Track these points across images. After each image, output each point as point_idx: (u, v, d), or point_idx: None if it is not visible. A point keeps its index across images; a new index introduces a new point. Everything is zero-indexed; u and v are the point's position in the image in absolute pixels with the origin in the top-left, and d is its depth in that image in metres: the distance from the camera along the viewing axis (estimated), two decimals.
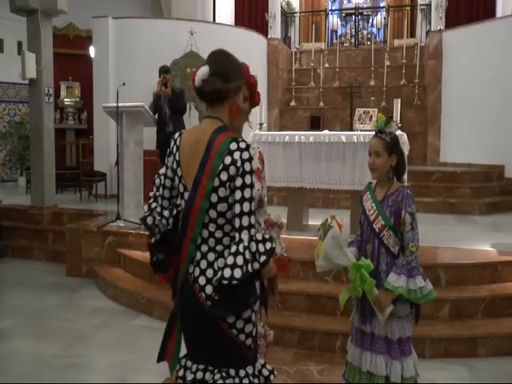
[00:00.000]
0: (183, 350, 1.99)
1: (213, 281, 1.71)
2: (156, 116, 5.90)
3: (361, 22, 12.37)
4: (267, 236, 1.74)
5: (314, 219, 5.87)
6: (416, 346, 3.67)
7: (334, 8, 13.30)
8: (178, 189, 1.87)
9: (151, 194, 2.00)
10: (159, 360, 2.03)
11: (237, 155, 1.71)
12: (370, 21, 12.73)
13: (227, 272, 1.65)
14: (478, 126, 8.05)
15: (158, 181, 1.97)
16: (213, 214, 1.76)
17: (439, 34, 8.91)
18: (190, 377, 1.85)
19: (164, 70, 5.92)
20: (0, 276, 5.82)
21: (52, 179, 6.94)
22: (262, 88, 9.49)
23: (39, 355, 3.69)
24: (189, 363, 1.90)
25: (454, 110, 8.51)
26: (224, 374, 1.80)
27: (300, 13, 12.64)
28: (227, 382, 1.79)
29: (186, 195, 1.81)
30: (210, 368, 1.83)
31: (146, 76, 7.05)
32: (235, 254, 1.66)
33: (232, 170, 1.71)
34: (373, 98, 8.90)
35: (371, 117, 6.77)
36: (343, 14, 13.04)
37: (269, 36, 9.92)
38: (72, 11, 7.23)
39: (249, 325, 1.81)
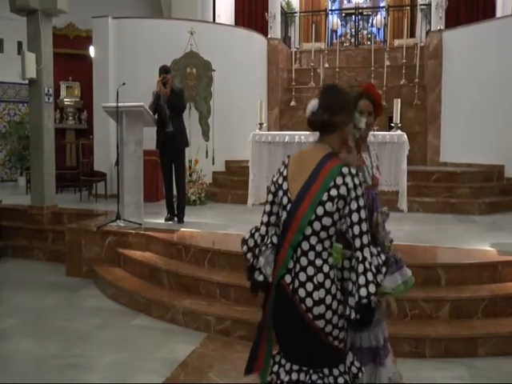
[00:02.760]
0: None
1: (349, 303, 1.84)
2: (156, 116, 5.90)
3: (361, 22, 12.37)
4: (379, 249, 1.92)
5: None
6: (416, 346, 3.71)
7: (333, 8, 13.30)
8: (281, 202, 1.98)
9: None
10: (248, 372, 2.10)
11: (348, 179, 1.85)
12: (370, 21, 12.73)
13: (363, 291, 1.79)
14: (478, 126, 8.05)
15: (264, 208, 2.07)
16: (317, 226, 1.86)
17: (439, 34, 8.91)
18: (285, 377, 1.96)
19: (164, 70, 5.92)
20: (0, 276, 5.83)
21: (52, 179, 6.94)
22: (261, 88, 9.51)
23: (39, 355, 3.69)
24: (283, 361, 2.01)
25: (454, 109, 8.52)
26: (320, 375, 1.92)
27: (300, 13, 12.65)
28: (325, 381, 1.91)
29: (289, 207, 1.92)
30: (305, 368, 1.94)
31: (146, 76, 7.05)
32: (364, 273, 1.81)
33: (343, 189, 1.84)
34: None
35: None
36: (343, 14, 13.05)
37: (269, 36, 9.92)
38: (72, 11, 7.23)
39: (342, 332, 1.93)
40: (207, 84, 8.02)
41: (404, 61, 9.47)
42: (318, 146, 1.99)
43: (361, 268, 1.82)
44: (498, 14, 10.22)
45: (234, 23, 11.28)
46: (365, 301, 1.78)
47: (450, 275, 4.28)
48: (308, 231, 1.86)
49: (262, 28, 10.50)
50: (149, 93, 6.02)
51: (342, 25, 12.79)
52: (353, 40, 12.15)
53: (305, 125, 7.63)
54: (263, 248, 1.99)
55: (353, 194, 1.84)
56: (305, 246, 1.88)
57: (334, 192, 1.84)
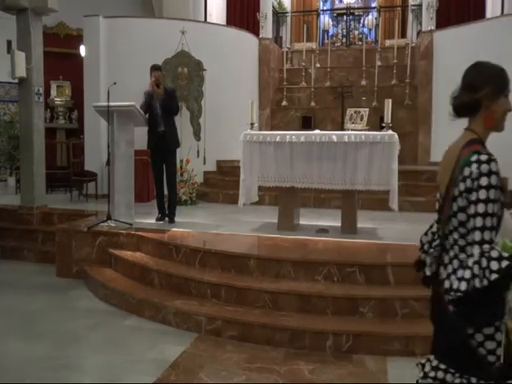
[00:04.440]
0: None
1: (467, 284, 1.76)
2: (147, 116, 5.88)
3: (352, 22, 12.41)
4: (506, 254, 1.69)
5: (306, 219, 5.90)
6: (406, 345, 3.72)
7: (325, 8, 13.33)
8: (437, 199, 2.02)
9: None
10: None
11: (474, 167, 1.73)
12: (362, 21, 12.77)
13: (455, 284, 1.76)
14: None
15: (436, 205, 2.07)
16: (455, 222, 1.85)
17: (430, 35, 8.96)
18: (431, 373, 1.91)
19: (155, 68, 5.91)
20: None
21: (42, 179, 6.89)
22: (253, 87, 9.51)
23: (30, 356, 3.66)
24: (431, 357, 1.95)
25: (445, 109, 8.45)
26: (465, 381, 1.81)
27: (291, 13, 12.67)
28: None
29: (440, 202, 1.97)
30: (452, 371, 1.85)
31: (138, 75, 7.02)
32: (465, 268, 1.75)
33: (468, 182, 1.76)
34: (364, 98, 8.94)
35: (362, 116, 6.79)
36: (335, 14, 13.08)
37: (260, 36, 9.92)
38: (62, 10, 7.18)
39: (491, 342, 1.80)
40: (198, 84, 8.00)
41: (395, 61, 9.51)
42: (462, 135, 1.92)
43: (465, 263, 1.77)
44: (488, 14, 10.29)
45: (225, 23, 11.27)
46: (452, 293, 1.76)
47: None
48: (451, 227, 1.86)
49: (253, 28, 10.49)
50: (140, 92, 6.00)
51: (333, 25, 12.82)
52: (344, 40, 12.18)
53: (296, 124, 7.65)
54: (434, 243, 2.00)
55: (475, 184, 1.73)
56: (450, 240, 1.88)
57: (462, 187, 1.78)
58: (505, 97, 1.89)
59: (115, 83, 5.61)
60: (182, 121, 7.41)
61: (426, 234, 2.09)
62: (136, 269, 5.00)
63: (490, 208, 1.73)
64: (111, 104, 5.50)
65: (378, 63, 9.47)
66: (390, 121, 5.32)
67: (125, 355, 3.68)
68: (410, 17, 11.28)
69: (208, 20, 10.86)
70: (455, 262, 1.85)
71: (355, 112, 6.83)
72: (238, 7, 11.84)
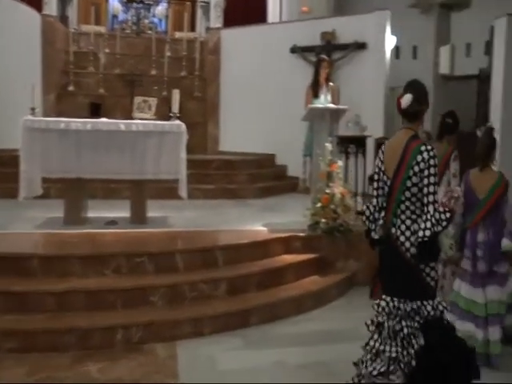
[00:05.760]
0: None
1: (412, 240, 2.58)
2: None
3: (142, 11, 12.22)
4: (447, 209, 2.65)
5: (94, 211, 5.62)
6: (195, 326, 3.87)
7: None
8: (382, 180, 2.73)
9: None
10: (371, 297, 2.94)
11: (425, 155, 2.56)
12: (152, 10, 12.68)
13: (421, 233, 2.53)
14: (253, 119, 8.75)
15: (373, 185, 2.84)
16: (407, 194, 2.61)
17: (218, 32, 9.40)
18: (386, 306, 2.68)
19: None
20: None
21: None
22: (35, 69, 8.62)
23: None
24: (384, 296, 2.71)
25: (232, 103, 9.10)
26: (414, 306, 2.61)
27: None
28: (418, 311, 2.60)
29: (388, 182, 2.67)
30: (402, 300, 2.64)
31: None
32: (425, 221, 2.53)
33: (422, 164, 2.55)
34: (156, 88, 8.93)
35: (150, 106, 6.78)
36: (124, 0, 12.69)
37: (43, 12, 9.02)
38: None
39: (433, 271, 2.65)
40: None
41: (185, 53, 9.69)
42: (403, 131, 2.70)
43: (424, 217, 2.55)
44: (270, 19, 11.23)
45: None
46: (420, 239, 2.52)
47: (227, 256, 4.59)
48: (403, 198, 2.62)
49: (35, 2, 9.46)
50: None
51: (123, 11, 12.43)
52: (134, 28, 11.92)
53: (84, 111, 7.21)
54: (376, 215, 2.76)
55: (427, 164, 2.54)
56: (402, 207, 2.63)
57: (416, 168, 2.56)
58: None
59: None
60: None
61: (367, 208, 2.82)
62: None
63: (435, 180, 2.56)
64: None
65: (168, 54, 9.51)
66: (177, 111, 5.42)
67: None
68: (199, 12, 11.64)
69: None
70: (408, 222, 2.63)
71: (143, 101, 6.79)
72: None
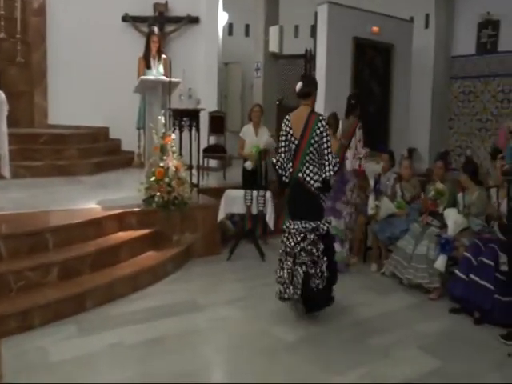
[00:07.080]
0: None
1: (315, 178, 3.88)
2: None
3: None
4: (337, 159, 3.94)
5: None
6: (24, 320, 3.58)
7: None
8: (290, 140, 3.92)
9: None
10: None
11: (323, 122, 3.86)
12: None
13: (327, 174, 3.85)
14: (84, 90, 8.20)
15: (281, 144, 3.98)
16: (311, 148, 3.84)
17: None
18: (291, 227, 3.92)
19: None
20: None
21: None
22: None
23: None
24: (290, 221, 3.94)
25: (62, 71, 8.40)
26: (312, 224, 3.87)
27: None
28: (315, 226, 3.88)
29: (296, 142, 3.88)
30: (303, 221, 3.87)
31: None
32: (328, 165, 3.84)
33: (321, 129, 3.82)
34: None
35: None
36: None
37: None
38: None
39: (324, 200, 4.06)
40: None
41: (2, 12, 8.62)
42: (303, 107, 3.96)
43: (326, 164, 3.84)
44: None
45: None
46: (326, 177, 3.86)
47: (58, 237, 4.38)
48: (308, 151, 3.84)
49: None
50: None
51: None
52: None
53: None
54: (285, 165, 3.93)
55: (324, 130, 3.83)
56: (307, 158, 3.86)
57: (317, 131, 3.81)
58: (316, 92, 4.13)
59: None
60: None
61: (278, 160, 3.93)
62: None
63: (329, 139, 3.86)
64: None
65: None
66: None
67: None
68: None
69: None
70: (311, 167, 3.86)
71: None
72: None
